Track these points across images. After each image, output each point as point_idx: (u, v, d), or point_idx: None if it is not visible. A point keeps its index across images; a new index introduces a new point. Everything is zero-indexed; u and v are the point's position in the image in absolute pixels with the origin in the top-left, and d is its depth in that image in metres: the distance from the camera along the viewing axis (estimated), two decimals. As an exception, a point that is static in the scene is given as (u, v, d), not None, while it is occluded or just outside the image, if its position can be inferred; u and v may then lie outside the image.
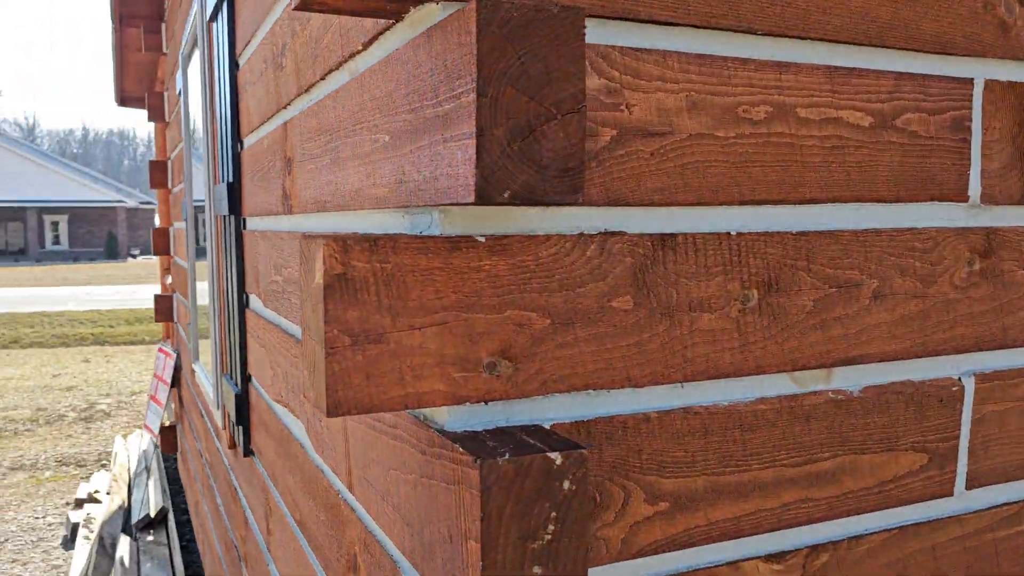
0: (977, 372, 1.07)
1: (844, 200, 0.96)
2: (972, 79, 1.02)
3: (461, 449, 0.72)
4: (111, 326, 14.87)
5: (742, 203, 0.90)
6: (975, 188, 1.04)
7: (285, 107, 1.43)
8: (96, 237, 41.32)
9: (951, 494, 1.07)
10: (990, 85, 1.03)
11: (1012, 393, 1.10)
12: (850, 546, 1.01)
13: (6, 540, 5.06)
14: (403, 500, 0.89)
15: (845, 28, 0.93)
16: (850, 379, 1.00)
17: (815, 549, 0.98)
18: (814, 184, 0.94)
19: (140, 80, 5.82)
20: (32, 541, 5.05)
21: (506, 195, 0.67)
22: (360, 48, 0.96)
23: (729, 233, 0.89)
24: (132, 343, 13.17)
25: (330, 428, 1.21)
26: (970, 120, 1.02)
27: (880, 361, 0.99)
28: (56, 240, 40.91)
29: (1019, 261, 1.09)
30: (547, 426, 0.82)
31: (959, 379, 1.06)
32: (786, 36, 0.90)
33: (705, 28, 0.86)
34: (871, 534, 1.02)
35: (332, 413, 0.73)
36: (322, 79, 1.16)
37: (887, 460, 1.02)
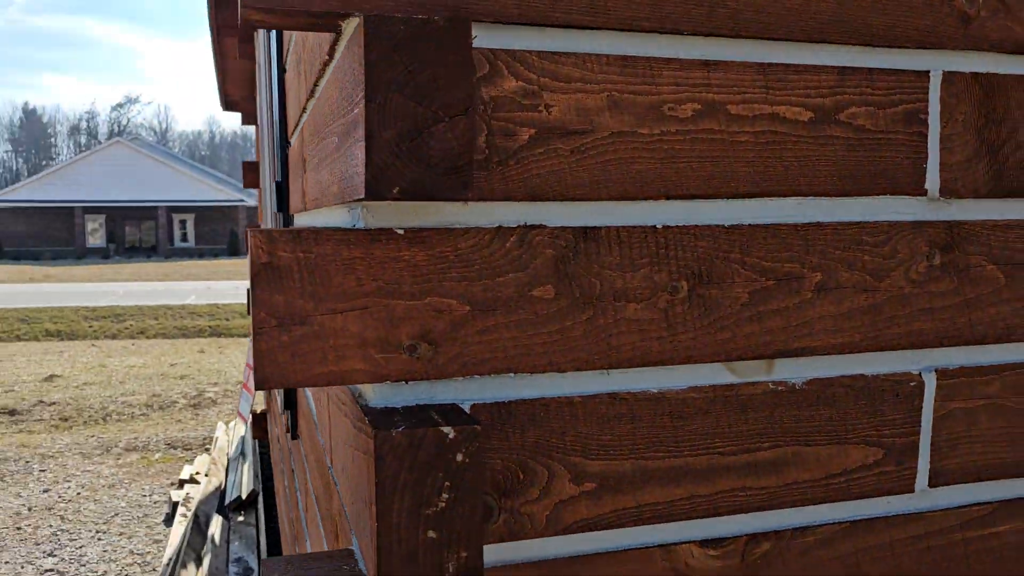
0: (939, 368, 1.07)
1: (783, 194, 0.98)
2: (928, 71, 1.02)
3: (367, 421, 0.80)
4: (227, 319, 15.71)
5: (669, 197, 0.93)
6: (933, 181, 1.03)
7: (303, 111, 1.54)
8: (219, 234, 43.61)
9: (911, 491, 1.07)
10: (949, 77, 1.03)
11: (982, 391, 1.09)
12: (795, 536, 1.02)
13: (116, 515, 5.47)
14: (348, 471, 0.97)
15: (781, 26, 0.95)
16: (794, 371, 1.01)
17: (755, 537, 1.00)
18: (747, 179, 0.96)
19: (240, 86, 6.17)
20: (138, 516, 5.44)
21: (395, 191, 0.74)
22: (327, 57, 1.05)
23: (655, 226, 0.93)
24: (244, 335, 13.88)
25: (323, 409, 1.31)
26: (926, 113, 1.02)
27: (826, 354, 1.01)
28: (184, 237, 43.42)
29: (988, 255, 1.07)
30: (467, 406, 0.88)
31: (918, 374, 1.05)
32: (715, 35, 0.93)
33: (627, 31, 0.90)
34: (819, 526, 1.03)
35: (259, 387, 0.81)
36: (315, 83, 1.26)
37: (835, 453, 1.03)
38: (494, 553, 0.92)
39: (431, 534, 0.78)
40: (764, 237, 0.97)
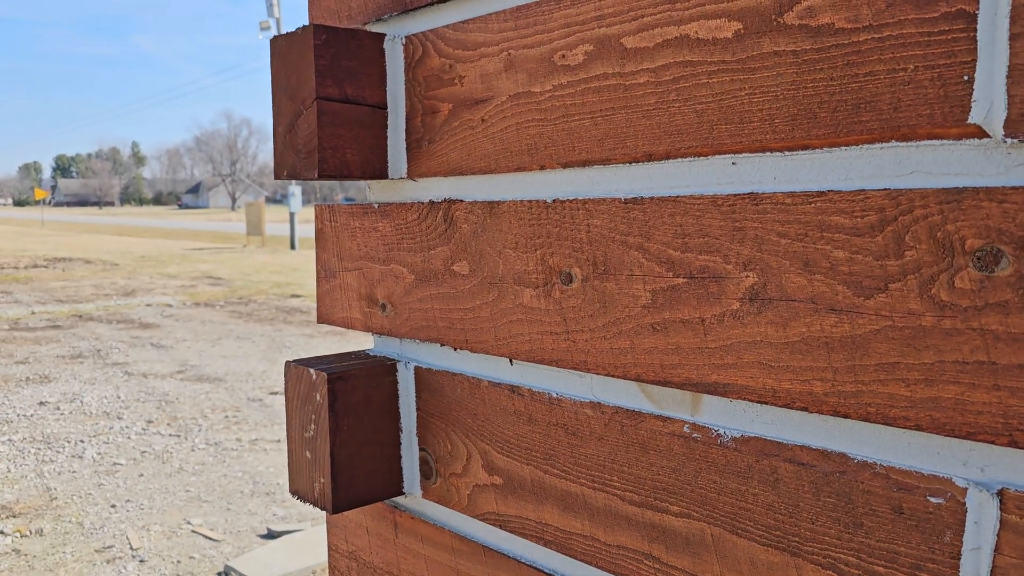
0: (1009, 486, 0.51)
1: (699, 152, 0.66)
2: None
3: (312, 357, 1.00)
4: None
5: (564, 165, 0.77)
6: (991, 111, 0.51)
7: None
8: None
9: None
10: None
11: None
12: (727, 665, 0.68)
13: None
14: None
15: (684, -93, 0.65)
16: (724, 417, 0.67)
17: (666, 632, 0.72)
18: (647, 135, 0.69)
19: None
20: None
21: (285, 174, 0.93)
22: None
23: (545, 200, 0.78)
24: None
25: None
26: (963, -25, 0.51)
27: (764, 403, 0.63)
28: None
29: None
30: (412, 367, 0.96)
31: (960, 483, 0.54)
32: (604, -48, 0.71)
33: (519, -22, 0.79)
34: (771, 673, 0.65)
35: (319, 321, 1.10)
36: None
37: (780, 564, 0.63)
38: (436, 511, 0.96)
39: (307, 454, 0.94)
40: (671, 215, 0.68)
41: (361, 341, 10.18)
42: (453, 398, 0.91)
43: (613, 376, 0.74)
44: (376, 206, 0.99)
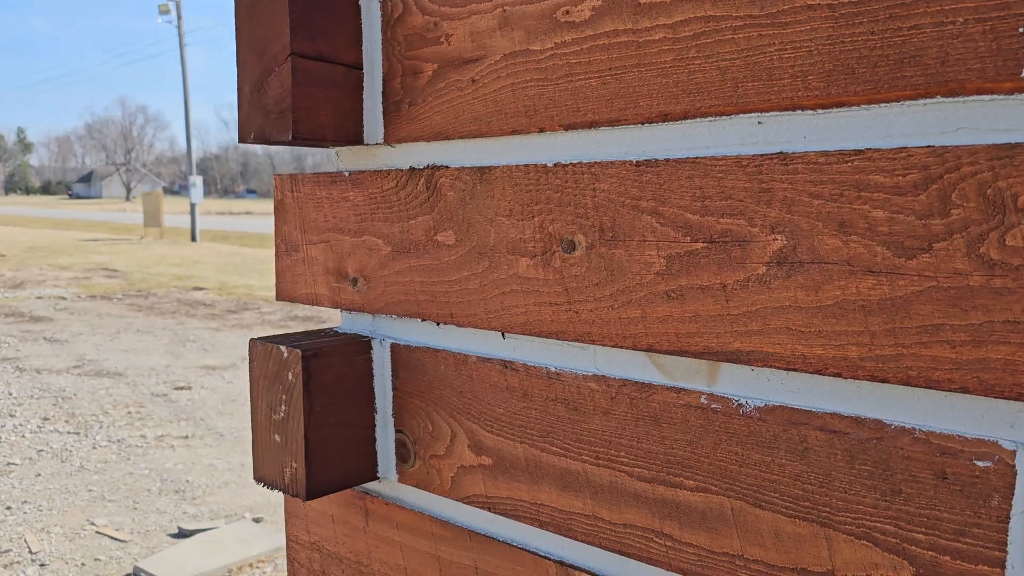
0: (1062, 449, 0.51)
1: (722, 111, 0.64)
2: None
3: (278, 334, 0.93)
4: None
5: (568, 127, 0.73)
6: (1049, 60, 0.50)
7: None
8: None
9: (995, 673, 0.55)
10: None
11: None
12: (745, 642, 0.66)
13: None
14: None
15: None
16: (745, 386, 0.65)
17: (678, 611, 0.69)
18: (664, 94, 0.66)
19: None
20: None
21: (252, 136, 0.86)
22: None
23: (545, 164, 0.74)
24: None
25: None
26: (1020, -79, 0.50)
27: (792, 370, 0.61)
28: None
29: None
30: (387, 344, 0.90)
31: (1007, 446, 0.53)
32: (616, -100, 0.68)
33: (517, -71, 0.75)
34: (794, 648, 0.64)
35: (277, 298, 1.03)
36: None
37: (809, 536, 0.61)
38: (413, 496, 0.91)
39: (276, 438, 0.88)
40: (689, 177, 0.66)
41: (274, 332, 9.90)
42: (436, 376, 0.86)
43: (621, 347, 0.71)
44: (347, 174, 0.93)
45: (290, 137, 0.82)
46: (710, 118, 0.65)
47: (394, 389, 0.91)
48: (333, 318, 11.65)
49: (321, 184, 0.95)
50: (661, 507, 0.70)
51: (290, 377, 0.85)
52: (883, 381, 0.57)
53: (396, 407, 0.90)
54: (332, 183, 0.94)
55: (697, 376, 0.68)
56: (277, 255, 1.02)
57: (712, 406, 0.66)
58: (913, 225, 0.55)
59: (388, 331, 0.93)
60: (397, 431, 0.91)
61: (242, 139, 0.88)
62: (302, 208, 0.98)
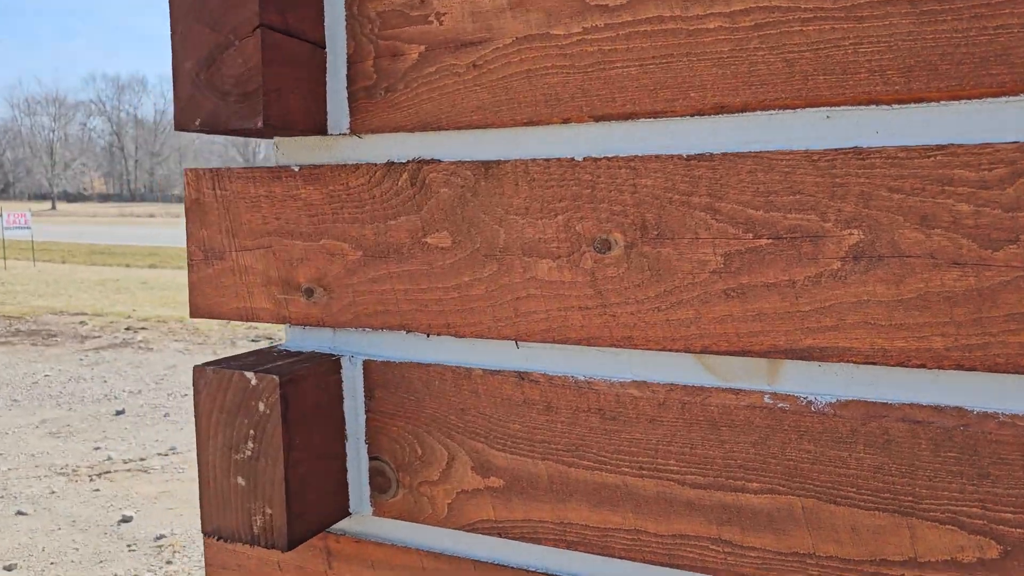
0: None
1: (787, 105, 0.62)
2: None
3: (224, 357, 0.79)
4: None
5: (598, 119, 0.68)
6: None
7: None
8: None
9: (1079, 635, 0.58)
10: None
11: None
12: (815, 639, 0.66)
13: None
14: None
15: None
16: (813, 383, 0.65)
17: (739, 617, 0.68)
18: (720, 86, 0.64)
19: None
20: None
21: (196, 123, 0.72)
22: None
23: (571, 159, 0.69)
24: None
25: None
26: (1112, -69, 0.53)
27: (872, 363, 0.61)
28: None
29: None
30: (359, 361, 0.80)
31: (1094, 427, 0.56)
32: None
33: (533, -99, 0.68)
34: (868, 637, 0.64)
35: (192, 315, 0.87)
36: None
37: (891, 527, 0.62)
38: (394, 529, 0.82)
39: (240, 481, 0.74)
40: (751, 172, 0.64)
41: (69, 358, 8.54)
42: (427, 393, 0.77)
43: (670, 351, 0.67)
44: (295, 169, 0.80)
45: (260, 124, 0.69)
46: (771, 111, 0.63)
47: (368, 412, 0.80)
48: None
49: (258, 180, 0.82)
50: (720, 513, 0.67)
51: (261, 408, 0.72)
52: (970, 370, 0.59)
53: (371, 432, 0.80)
54: (274, 179, 0.81)
55: (756, 376, 0.66)
56: (193, 265, 0.87)
57: (779, 405, 0.65)
58: (1000, 217, 0.57)
59: (356, 347, 0.82)
60: (372, 458, 0.81)
61: (181, 126, 0.73)
62: (230, 209, 0.84)
